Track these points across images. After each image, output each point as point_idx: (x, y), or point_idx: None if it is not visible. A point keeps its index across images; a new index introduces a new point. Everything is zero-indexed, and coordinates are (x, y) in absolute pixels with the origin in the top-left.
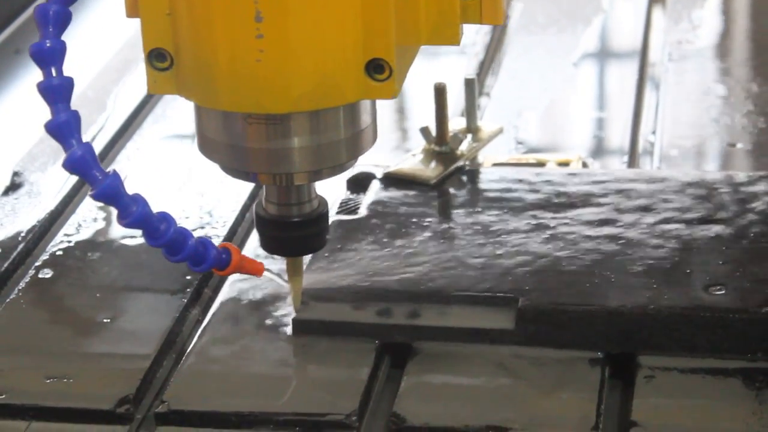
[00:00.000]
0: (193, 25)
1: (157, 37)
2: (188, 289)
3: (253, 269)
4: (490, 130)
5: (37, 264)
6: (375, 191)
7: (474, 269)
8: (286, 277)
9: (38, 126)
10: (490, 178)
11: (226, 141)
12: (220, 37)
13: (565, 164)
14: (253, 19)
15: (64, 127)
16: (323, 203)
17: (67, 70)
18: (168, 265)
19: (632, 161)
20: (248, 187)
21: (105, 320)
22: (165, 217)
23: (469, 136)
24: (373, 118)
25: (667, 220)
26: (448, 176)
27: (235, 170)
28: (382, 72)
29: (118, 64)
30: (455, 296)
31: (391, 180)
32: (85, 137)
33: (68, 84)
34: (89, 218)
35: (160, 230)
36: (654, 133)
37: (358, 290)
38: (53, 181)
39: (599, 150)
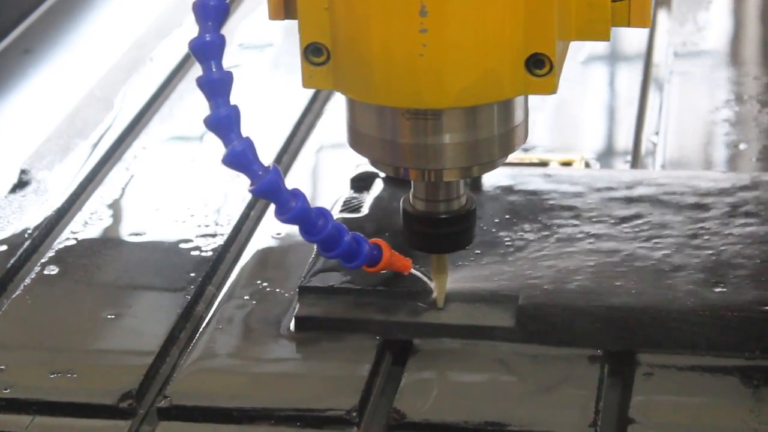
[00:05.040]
0: (353, 19)
1: (314, 31)
2: (192, 287)
3: (402, 266)
4: None
5: (43, 261)
6: (378, 190)
7: (475, 267)
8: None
9: (46, 124)
10: (492, 179)
11: (379, 136)
12: (381, 32)
13: (567, 164)
14: (418, 13)
15: (223, 121)
16: (471, 200)
17: (76, 69)
18: (172, 262)
19: (635, 162)
20: None
21: (109, 316)
22: (323, 213)
23: None
24: (526, 115)
25: (667, 220)
26: None
27: (386, 165)
28: (542, 67)
29: (126, 63)
30: (456, 293)
31: (395, 179)
32: (93, 136)
33: (228, 78)
34: (95, 216)
35: (317, 226)
36: (657, 134)
37: (360, 287)
38: (60, 179)
39: (603, 150)
